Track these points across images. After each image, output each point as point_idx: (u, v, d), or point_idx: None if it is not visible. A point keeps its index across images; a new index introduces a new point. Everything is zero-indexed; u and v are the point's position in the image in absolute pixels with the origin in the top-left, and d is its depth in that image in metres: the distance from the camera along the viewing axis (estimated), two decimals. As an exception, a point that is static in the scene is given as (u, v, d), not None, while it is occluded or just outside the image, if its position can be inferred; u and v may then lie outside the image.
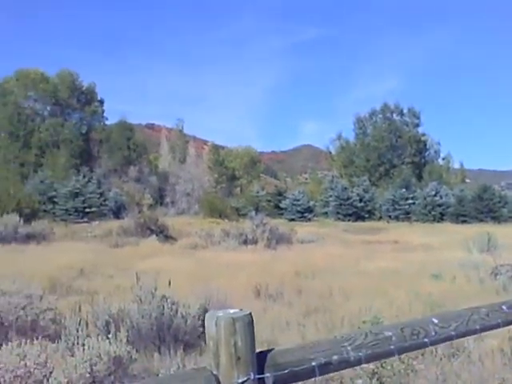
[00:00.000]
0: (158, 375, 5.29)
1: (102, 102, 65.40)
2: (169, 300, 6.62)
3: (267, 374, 1.66)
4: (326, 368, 1.80)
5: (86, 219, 34.43)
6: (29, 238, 17.59)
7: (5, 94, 57.43)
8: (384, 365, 4.74)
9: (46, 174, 42.06)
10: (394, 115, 67.74)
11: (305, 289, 9.88)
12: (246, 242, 18.40)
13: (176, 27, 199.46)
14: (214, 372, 1.59)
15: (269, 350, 1.75)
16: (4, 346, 4.81)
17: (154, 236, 20.40)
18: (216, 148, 71.72)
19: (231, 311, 1.66)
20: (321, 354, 1.79)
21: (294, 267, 12.27)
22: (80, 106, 62.98)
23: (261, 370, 1.66)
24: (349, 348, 1.86)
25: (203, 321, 5.21)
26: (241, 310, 1.68)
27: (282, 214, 43.14)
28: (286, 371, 1.68)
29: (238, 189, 67.55)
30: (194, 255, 15.22)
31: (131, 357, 4.98)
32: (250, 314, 1.66)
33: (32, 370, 4.50)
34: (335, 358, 1.82)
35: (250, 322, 1.64)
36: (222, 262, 13.51)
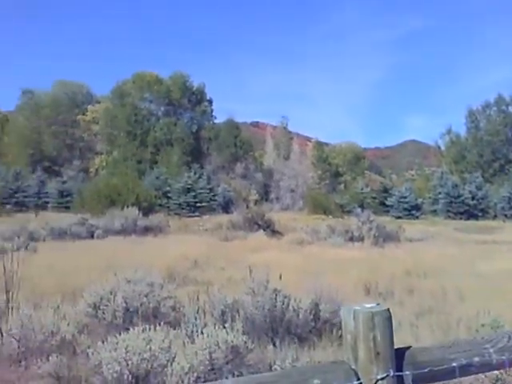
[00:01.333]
0: (270, 367, 5.37)
1: (210, 101, 67.64)
2: (280, 293, 6.69)
3: (406, 372, 1.61)
4: (466, 369, 1.72)
5: (197, 213, 35.87)
6: (147, 230, 18.67)
7: (123, 95, 61.33)
8: (510, 372, 4.43)
9: (161, 171, 44.37)
10: (510, 108, 63.04)
11: (416, 288, 9.52)
12: (352, 239, 18.13)
13: (277, 25, 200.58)
14: (353, 366, 1.57)
15: (406, 348, 1.70)
16: (131, 330, 5.12)
17: (261, 231, 20.75)
18: (319, 144, 71.28)
19: (368, 305, 1.63)
20: (461, 354, 1.71)
21: (403, 266, 11.88)
22: (191, 105, 65.58)
23: (399, 367, 1.62)
24: (491, 350, 1.75)
25: (315, 315, 5.21)
26: (378, 304, 1.65)
27: (387, 212, 41.95)
28: (426, 370, 1.62)
29: (342, 185, 66.62)
30: (301, 250, 15.26)
31: (247, 347, 5.10)
32: (388, 309, 1.63)
33: (157, 354, 4.76)
34: (476, 359, 1.72)
35: (388, 317, 1.61)
36: (329, 258, 13.42)
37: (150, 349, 4.73)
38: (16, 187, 41.48)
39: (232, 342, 4.97)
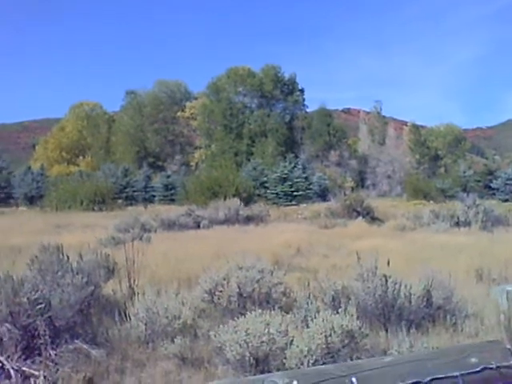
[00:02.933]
0: (385, 353, 5.32)
1: (302, 91, 67.49)
2: (390, 279, 6.58)
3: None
4: None
5: (294, 202, 36.07)
6: (248, 219, 19.12)
7: (218, 91, 62.87)
8: None
9: (257, 162, 45.06)
10: None
11: (534, 273, 8.92)
12: (457, 224, 17.31)
13: (367, 9, 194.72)
14: (508, 346, 1.54)
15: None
16: (248, 314, 5.29)
17: (361, 218, 20.44)
18: (416, 128, 68.61)
19: (520, 286, 1.59)
20: None
21: (516, 250, 11.16)
22: (283, 96, 65.86)
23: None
24: None
25: (427, 301, 5.05)
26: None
27: (493, 195, 39.53)
28: None
29: (442, 169, 63.72)
30: (404, 237, 14.84)
31: (362, 332, 5.09)
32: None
33: (275, 337, 4.89)
34: None
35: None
36: (435, 243, 12.93)
37: (268, 332, 4.87)
38: (125, 183, 44.10)
39: (347, 326, 4.99)
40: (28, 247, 12.17)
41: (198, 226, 17.73)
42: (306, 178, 41.14)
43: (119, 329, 5.99)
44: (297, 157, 49.53)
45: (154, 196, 43.43)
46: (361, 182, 56.55)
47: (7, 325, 5.20)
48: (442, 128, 69.62)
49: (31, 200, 40.77)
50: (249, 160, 50.52)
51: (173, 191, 41.91)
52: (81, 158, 62.94)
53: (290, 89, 66.12)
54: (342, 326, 4.96)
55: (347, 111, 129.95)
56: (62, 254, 6.67)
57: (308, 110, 67.19)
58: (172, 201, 38.99)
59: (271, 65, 65.94)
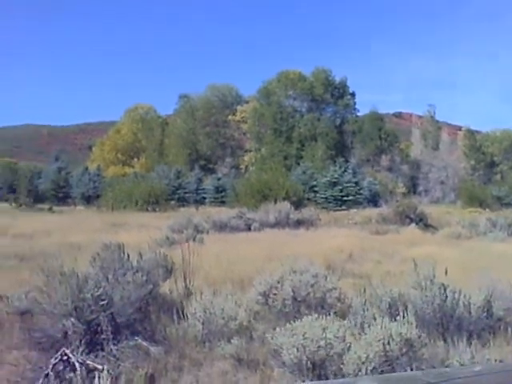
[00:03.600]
0: (442, 362, 5.17)
1: (353, 94, 66.75)
2: (448, 288, 6.41)
3: None
4: None
5: (343, 207, 35.69)
6: (299, 223, 19.06)
7: (269, 94, 63.07)
8: None
9: (306, 166, 44.90)
10: None
11: None
12: (516, 233, 16.64)
13: (420, 10, 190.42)
14: None
15: None
16: (305, 318, 5.27)
17: (414, 224, 19.99)
18: (471, 133, 66.44)
19: None
20: None
21: None
22: (333, 100, 65.37)
23: None
24: None
25: (487, 312, 4.89)
26: None
27: (554, 203, 37.79)
28: None
29: (498, 176, 61.43)
30: (460, 245, 14.39)
31: (421, 341, 4.97)
32: None
33: (332, 342, 4.85)
34: None
35: None
36: (493, 253, 12.48)
37: (326, 337, 4.83)
38: (177, 184, 44.95)
39: (405, 334, 4.89)
40: (87, 245, 12.61)
41: (249, 229, 17.83)
42: (356, 183, 40.64)
43: (177, 327, 6.10)
44: (347, 161, 49.01)
45: (204, 198, 44.02)
46: (412, 187, 55.32)
47: (72, 319, 5.39)
48: (498, 133, 67.12)
49: (88, 199, 42.19)
50: (298, 164, 50.40)
51: (223, 193, 42.36)
52: (135, 159, 64.61)
53: (340, 92, 65.54)
54: (400, 333, 4.87)
55: (398, 115, 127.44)
56: (123, 253, 6.86)
57: (359, 114, 66.37)
58: (222, 203, 39.40)
59: (322, 68, 65.62)
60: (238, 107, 68.15)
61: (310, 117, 62.34)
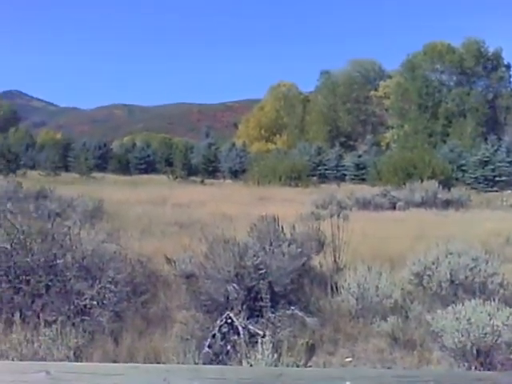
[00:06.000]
0: None
1: (508, 66, 60.75)
2: None
3: None
4: None
5: (495, 188, 32.89)
6: (447, 203, 17.92)
7: (414, 68, 59.84)
8: None
9: (454, 143, 42.06)
10: None
11: None
12: None
13: None
14: None
15: None
16: (467, 302, 4.94)
17: None
18: None
19: None
20: None
21: None
22: (486, 73, 60.13)
23: None
24: None
25: None
26: None
27: None
28: None
29: None
30: None
31: None
32: None
33: (500, 329, 4.49)
34: None
35: None
36: None
37: (493, 324, 4.49)
38: (318, 161, 45.02)
39: None
40: (238, 216, 13.20)
41: (394, 207, 17.23)
42: (510, 163, 37.10)
43: (330, 301, 6.12)
44: (500, 139, 44.89)
45: (344, 175, 43.56)
46: None
47: (234, 285, 5.66)
48: None
49: (235, 173, 44.16)
50: (444, 141, 47.44)
51: (363, 171, 41.51)
52: (277, 136, 65.90)
53: (493, 64, 59.95)
54: None
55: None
56: (278, 225, 7.01)
57: (515, 88, 60.23)
58: (363, 180, 38.66)
59: (473, 39, 60.44)
60: (381, 82, 65.82)
61: (458, 91, 58.05)
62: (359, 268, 6.34)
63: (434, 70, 60.65)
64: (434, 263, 6.83)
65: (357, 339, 5.34)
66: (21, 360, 3.57)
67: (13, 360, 3.54)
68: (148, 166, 50.45)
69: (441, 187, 19.32)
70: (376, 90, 65.65)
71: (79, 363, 1.27)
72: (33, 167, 45.91)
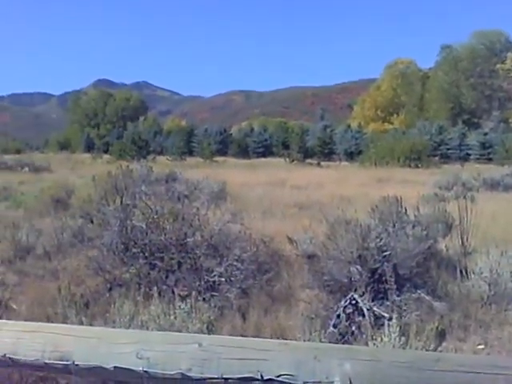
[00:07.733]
0: None
1: None
2: None
3: None
4: None
5: None
6: None
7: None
8: None
9: None
10: None
11: None
12: None
13: None
14: None
15: None
16: None
17: None
18: None
19: None
20: None
21: None
22: None
23: None
24: None
25: None
26: None
27: None
28: None
29: None
30: None
31: None
32: None
33: None
34: None
35: None
36: None
37: None
38: (439, 140, 42.57)
39: None
40: (356, 198, 12.96)
41: (527, 188, 15.74)
42: None
43: (459, 285, 5.76)
44: None
45: (468, 154, 40.75)
46: None
47: (358, 267, 5.54)
48: None
49: (351, 155, 43.35)
50: None
51: (490, 150, 38.46)
52: (394, 115, 63.33)
53: None
54: None
55: None
56: (401, 206, 6.74)
57: None
58: (489, 160, 35.87)
59: None
60: (508, 54, 60.18)
61: None
62: (491, 252, 5.88)
63: None
64: None
65: (489, 326, 4.97)
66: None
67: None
68: (265, 150, 51.38)
69: None
70: (503, 62, 60.20)
71: (229, 337, 1.28)
72: (160, 152, 49.00)
